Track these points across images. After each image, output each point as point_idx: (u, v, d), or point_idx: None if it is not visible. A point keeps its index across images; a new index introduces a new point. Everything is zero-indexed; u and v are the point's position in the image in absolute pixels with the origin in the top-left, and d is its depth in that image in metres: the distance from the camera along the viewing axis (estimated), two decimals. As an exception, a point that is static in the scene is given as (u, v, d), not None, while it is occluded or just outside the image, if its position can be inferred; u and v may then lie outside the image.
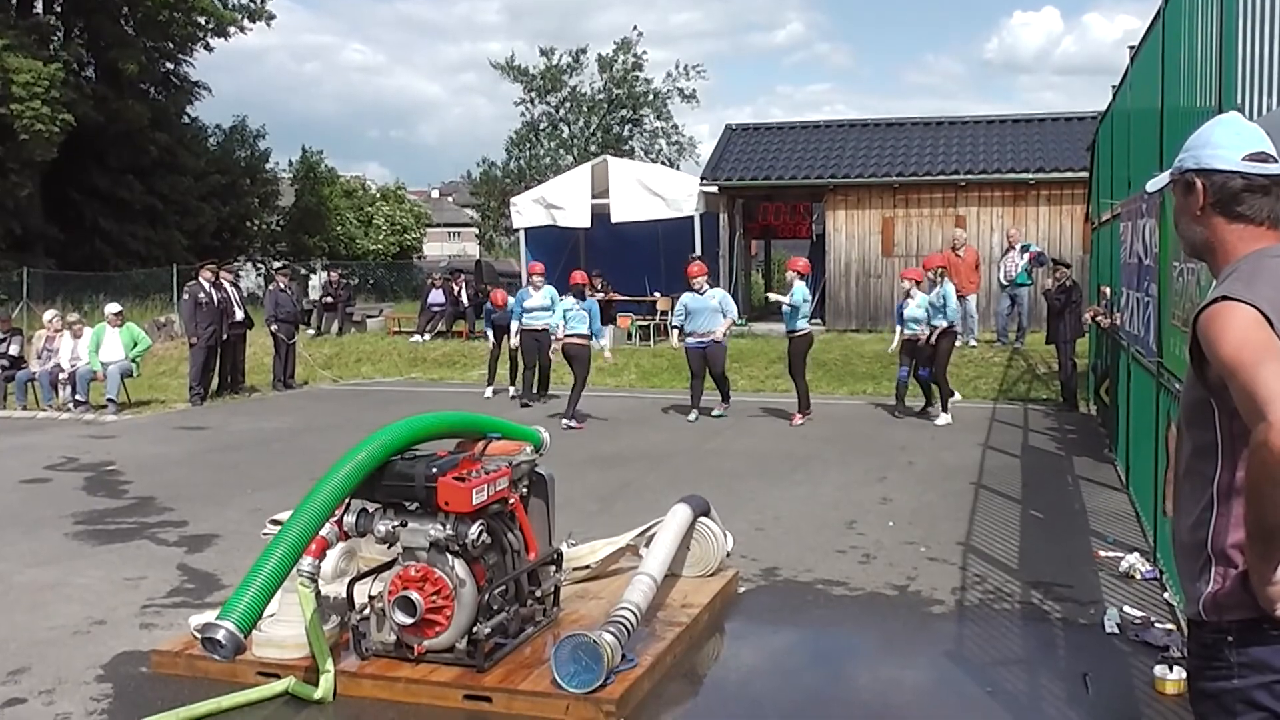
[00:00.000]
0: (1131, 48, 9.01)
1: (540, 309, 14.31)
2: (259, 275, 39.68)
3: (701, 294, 13.30)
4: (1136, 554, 6.77)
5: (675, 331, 13.84)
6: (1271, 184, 2.42)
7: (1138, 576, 6.49)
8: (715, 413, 13.46)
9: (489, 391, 16.00)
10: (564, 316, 13.38)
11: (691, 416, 13.30)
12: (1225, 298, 2.25)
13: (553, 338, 13.70)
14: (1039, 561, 6.92)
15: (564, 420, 12.80)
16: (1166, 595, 6.03)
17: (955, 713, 4.74)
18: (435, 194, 77.91)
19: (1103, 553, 7.02)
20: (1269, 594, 2.19)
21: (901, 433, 12.18)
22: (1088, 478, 9.59)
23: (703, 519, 6.20)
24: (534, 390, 14.87)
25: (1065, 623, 5.82)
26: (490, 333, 16.23)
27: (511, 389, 15.83)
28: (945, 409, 12.82)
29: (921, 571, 6.77)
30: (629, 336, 20.77)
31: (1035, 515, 8.22)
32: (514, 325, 14.63)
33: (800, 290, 12.98)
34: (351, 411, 14.49)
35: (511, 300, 15.34)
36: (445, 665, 4.84)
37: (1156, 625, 5.54)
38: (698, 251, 21.02)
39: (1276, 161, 2.43)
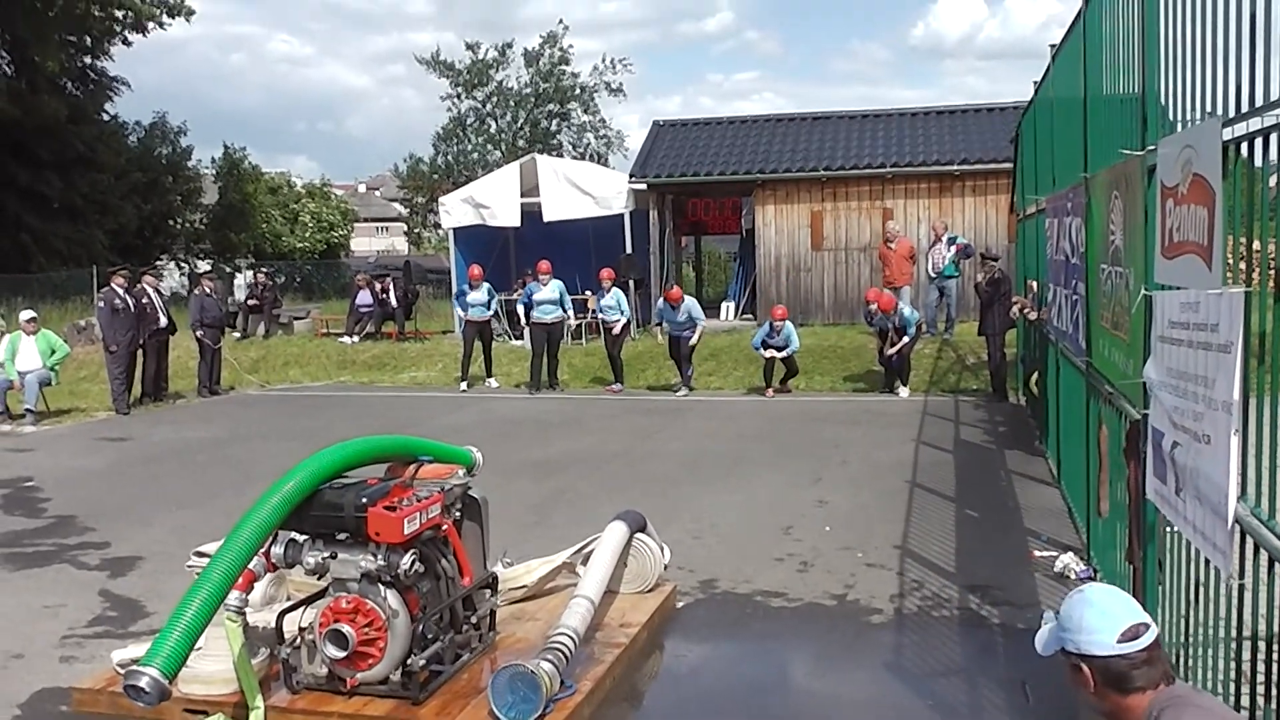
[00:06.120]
0: (1052, 46, 9.07)
1: (549, 302, 15.82)
2: (182, 275, 38.93)
3: (675, 308, 15.37)
4: (1070, 554, 6.83)
5: (657, 328, 16.51)
6: (1149, 653, 2.59)
7: (1072, 576, 6.53)
8: (679, 393, 15.54)
9: (464, 385, 16.80)
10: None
11: (676, 383, 15.86)
12: None
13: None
14: (975, 564, 6.95)
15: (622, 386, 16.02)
16: (1101, 597, 6.06)
17: (897, 729, 4.72)
18: (362, 188, 77.06)
19: (1037, 553, 7.06)
20: None
21: (833, 429, 12.21)
22: (1019, 472, 9.67)
23: (639, 535, 6.12)
24: (543, 379, 16.08)
25: (1003, 628, 5.84)
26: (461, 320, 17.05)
27: (492, 381, 16.91)
28: (906, 384, 14.92)
29: (859, 579, 6.76)
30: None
31: (970, 514, 8.26)
32: (520, 312, 16.42)
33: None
34: (279, 419, 14.21)
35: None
36: (379, 698, 4.70)
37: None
38: (628, 249, 20.96)
39: (1148, 627, 2.61)
